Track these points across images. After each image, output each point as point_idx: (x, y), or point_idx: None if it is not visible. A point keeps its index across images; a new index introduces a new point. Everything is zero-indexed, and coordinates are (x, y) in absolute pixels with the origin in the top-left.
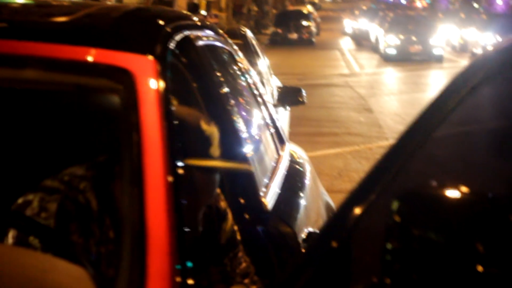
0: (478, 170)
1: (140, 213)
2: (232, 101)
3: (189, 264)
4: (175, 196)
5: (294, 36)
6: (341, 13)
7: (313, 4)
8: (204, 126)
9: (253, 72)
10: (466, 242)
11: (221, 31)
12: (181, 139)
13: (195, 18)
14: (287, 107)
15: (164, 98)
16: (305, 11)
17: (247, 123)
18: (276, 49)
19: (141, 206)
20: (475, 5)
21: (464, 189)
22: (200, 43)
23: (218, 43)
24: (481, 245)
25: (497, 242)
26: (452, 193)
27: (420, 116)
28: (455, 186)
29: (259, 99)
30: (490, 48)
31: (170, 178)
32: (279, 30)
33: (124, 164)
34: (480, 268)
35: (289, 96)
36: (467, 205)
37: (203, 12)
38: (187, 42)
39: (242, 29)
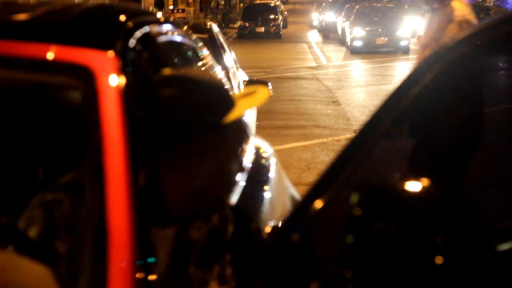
0: (441, 161)
1: (101, 210)
2: None
3: (151, 260)
4: (137, 193)
5: (261, 29)
6: (308, 6)
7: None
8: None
9: (217, 67)
10: (426, 234)
11: (185, 26)
12: (143, 136)
13: (158, 14)
14: None
15: (125, 94)
16: (272, 5)
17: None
18: (243, 42)
19: (102, 203)
20: None
21: (425, 181)
22: (162, 38)
23: (180, 39)
24: (441, 237)
25: (456, 234)
26: (413, 186)
27: (379, 108)
28: (416, 178)
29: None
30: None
31: (131, 175)
32: (247, 24)
33: (85, 162)
34: (439, 260)
35: None
36: (428, 197)
37: (170, 7)
38: (149, 38)
39: (208, 23)
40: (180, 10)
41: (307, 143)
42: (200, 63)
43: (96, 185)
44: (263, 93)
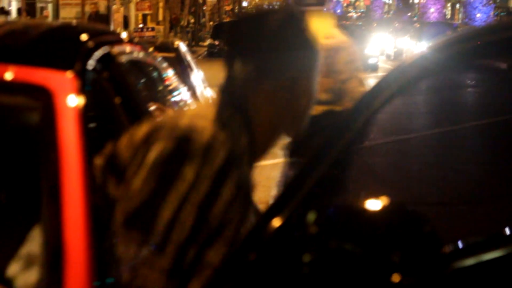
0: (405, 178)
1: (57, 231)
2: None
3: (109, 280)
4: (94, 213)
5: None
6: None
7: None
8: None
9: (181, 86)
10: (383, 252)
11: (149, 46)
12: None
13: (122, 34)
14: None
15: (84, 115)
16: None
17: None
18: (213, 61)
19: (59, 224)
20: (409, 14)
21: (383, 200)
22: (124, 58)
23: (144, 58)
24: (398, 255)
25: (413, 252)
26: (370, 204)
27: (335, 127)
28: (373, 197)
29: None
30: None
31: (89, 196)
32: (216, 42)
33: (42, 183)
34: (396, 278)
35: None
36: (385, 216)
37: (140, 25)
38: (109, 58)
39: (175, 42)
40: (149, 29)
41: (276, 161)
42: (163, 83)
43: (52, 205)
44: None
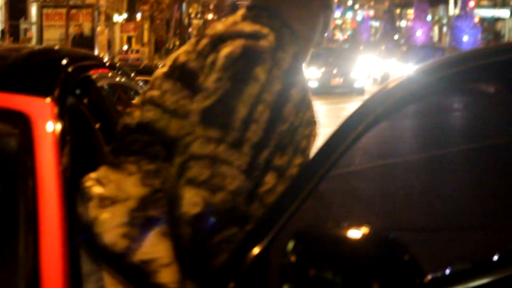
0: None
1: (34, 260)
2: None
3: None
4: (72, 242)
5: None
6: None
7: None
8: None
9: None
10: (362, 281)
11: (133, 69)
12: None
13: (103, 58)
14: None
15: (62, 141)
16: None
17: None
18: None
19: (36, 253)
20: (396, 36)
21: (364, 229)
22: (104, 83)
23: (124, 83)
24: (377, 285)
25: (392, 280)
26: (350, 233)
27: (316, 154)
28: (359, 222)
29: None
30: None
31: (66, 224)
32: None
33: (19, 210)
34: None
35: None
36: (365, 245)
37: (124, 47)
38: (89, 83)
39: (159, 65)
40: (134, 51)
41: None
42: None
43: (29, 234)
44: None
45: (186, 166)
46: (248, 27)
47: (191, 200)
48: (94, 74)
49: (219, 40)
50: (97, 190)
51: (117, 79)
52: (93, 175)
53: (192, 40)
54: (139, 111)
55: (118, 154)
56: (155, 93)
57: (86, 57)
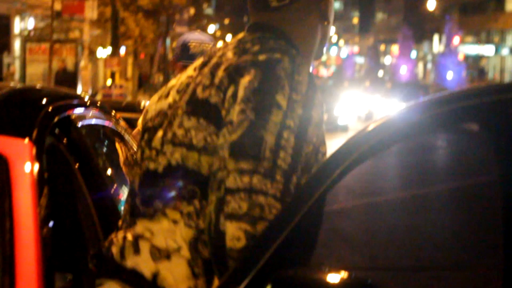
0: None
1: None
2: (116, 182)
3: None
4: (48, 284)
5: None
6: None
7: None
8: (85, 210)
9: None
10: None
11: (116, 106)
12: (59, 224)
13: (83, 97)
14: None
15: (40, 182)
16: None
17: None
18: None
19: None
20: (380, 73)
21: (344, 274)
22: (84, 123)
23: (104, 122)
24: None
25: None
26: (328, 278)
27: (294, 198)
28: (331, 270)
29: None
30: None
31: (42, 266)
32: None
33: None
34: None
35: None
36: None
37: (108, 82)
38: (69, 123)
39: (142, 102)
40: (118, 86)
41: None
42: (123, 148)
43: (5, 277)
44: None
45: (224, 202)
46: (261, 55)
47: (234, 235)
48: (74, 113)
49: (235, 72)
50: (145, 243)
51: (98, 118)
52: (132, 231)
53: (205, 70)
54: (162, 154)
55: (152, 204)
56: (178, 132)
57: (67, 97)
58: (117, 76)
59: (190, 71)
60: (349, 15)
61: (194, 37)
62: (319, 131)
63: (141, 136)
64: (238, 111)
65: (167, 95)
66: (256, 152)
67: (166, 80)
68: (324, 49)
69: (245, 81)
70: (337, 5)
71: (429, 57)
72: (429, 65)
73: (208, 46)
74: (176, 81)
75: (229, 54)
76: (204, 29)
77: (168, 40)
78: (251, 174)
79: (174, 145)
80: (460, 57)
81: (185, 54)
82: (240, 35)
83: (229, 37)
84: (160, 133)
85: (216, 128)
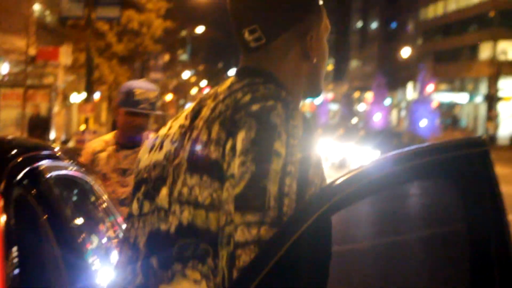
0: None
1: None
2: (85, 232)
3: None
4: None
5: None
6: None
7: None
8: (53, 261)
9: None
10: None
11: (80, 162)
12: (28, 276)
13: (53, 147)
14: None
15: (7, 233)
16: None
17: (102, 254)
18: None
19: None
20: (354, 120)
21: None
22: (53, 174)
23: (74, 173)
24: None
25: None
26: None
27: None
28: None
29: (118, 228)
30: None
31: None
32: None
33: None
34: None
35: None
36: None
37: (81, 127)
38: (37, 174)
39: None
40: (91, 132)
41: None
42: (93, 199)
43: None
44: None
45: (235, 256)
46: (254, 105)
47: None
48: (43, 164)
49: (231, 125)
50: None
51: (67, 169)
52: None
53: (199, 124)
54: (172, 214)
55: (170, 266)
56: (183, 190)
57: (36, 148)
58: (91, 122)
59: (181, 119)
60: None
61: (139, 84)
62: (319, 170)
63: (136, 186)
64: (238, 163)
65: (161, 146)
66: (261, 203)
67: None
68: (320, 88)
69: (242, 133)
70: None
71: (403, 105)
72: (403, 113)
73: (153, 94)
74: (167, 130)
75: (222, 107)
76: (178, 75)
77: None
78: (259, 225)
79: (182, 204)
80: (434, 104)
81: (130, 101)
82: (229, 82)
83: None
84: (165, 191)
85: (220, 183)
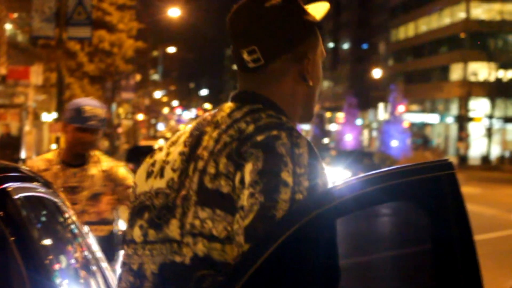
0: None
1: None
2: (53, 254)
3: None
4: None
5: None
6: None
7: (166, 139)
8: (20, 283)
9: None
10: None
11: (50, 182)
12: None
13: (21, 169)
14: None
15: None
16: (156, 147)
17: (70, 275)
18: None
19: None
20: (325, 140)
21: None
22: (21, 195)
23: (43, 195)
24: None
25: None
26: None
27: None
28: None
29: (85, 249)
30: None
31: None
32: (130, 166)
33: None
34: None
35: None
36: None
37: (52, 147)
38: (5, 196)
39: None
40: None
41: None
42: (61, 219)
43: None
44: None
45: None
46: (259, 136)
47: None
48: (11, 186)
49: (238, 158)
50: None
51: (35, 190)
52: None
53: (204, 154)
54: (185, 246)
55: None
56: (195, 222)
57: (5, 169)
58: (62, 141)
59: (179, 146)
60: None
61: (87, 102)
62: None
63: (135, 212)
64: (247, 195)
65: (161, 173)
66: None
67: (112, 144)
68: (313, 112)
69: (249, 165)
70: None
71: (374, 125)
72: (374, 133)
73: (101, 111)
74: (165, 156)
75: (226, 138)
76: (150, 95)
77: (114, 106)
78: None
79: (195, 236)
80: (405, 125)
81: (79, 117)
82: (227, 108)
83: (175, 102)
84: (175, 223)
85: (233, 216)
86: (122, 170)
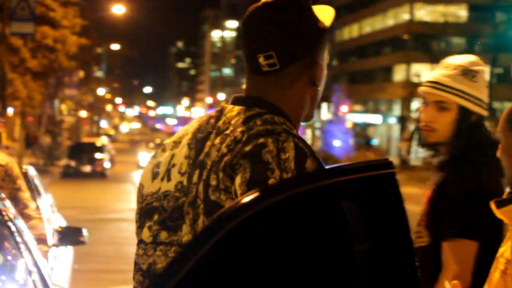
0: None
1: None
2: None
3: None
4: None
5: (87, 168)
6: (136, 146)
7: (109, 136)
8: None
9: (19, 220)
10: None
11: None
12: None
13: None
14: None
15: None
16: (98, 144)
17: (7, 271)
18: (68, 181)
19: None
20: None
21: None
22: None
23: None
24: None
25: None
26: None
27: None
28: None
29: (23, 247)
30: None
31: None
32: (72, 163)
33: None
34: None
35: (69, 236)
36: None
37: None
38: None
39: (24, 166)
40: (4, 147)
41: None
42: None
43: None
44: None
45: None
46: (247, 146)
47: None
48: None
49: (231, 171)
50: None
51: None
52: None
53: (207, 162)
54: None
55: None
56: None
57: None
58: (3, 137)
59: (184, 149)
60: (239, 82)
61: None
62: None
63: (144, 213)
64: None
65: (168, 176)
66: None
67: (54, 141)
68: (314, 112)
69: (238, 177)
70: (228, 71)
71: (317, 124)
72: (317, 132)
73: None
74: (170, 158)
75: (224, 149)
76: (93, 92)
77: (56, 102)
78: None
79: None
80: (348, 125)
81: None
82: (230, 113)
83: (119, 99)
84: (186, 229)
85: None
86: (17, 167)
